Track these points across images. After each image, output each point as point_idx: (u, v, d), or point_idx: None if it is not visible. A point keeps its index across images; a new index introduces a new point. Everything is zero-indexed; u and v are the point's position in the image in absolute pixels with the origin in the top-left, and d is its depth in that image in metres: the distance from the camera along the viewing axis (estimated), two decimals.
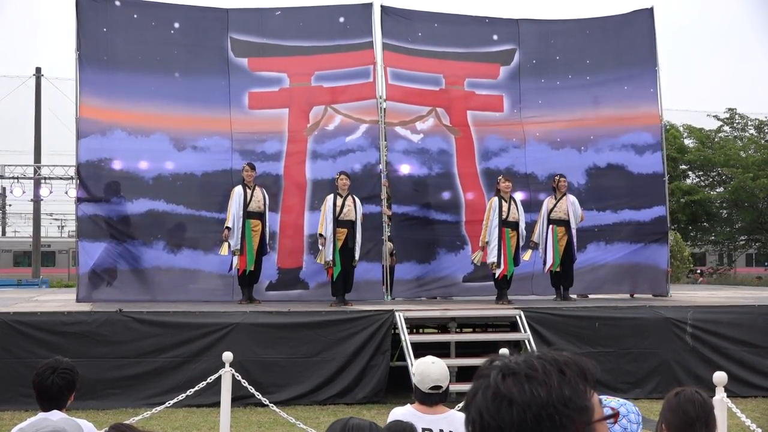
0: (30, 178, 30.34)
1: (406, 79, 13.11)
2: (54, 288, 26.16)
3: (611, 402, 2.89)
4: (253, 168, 11.52)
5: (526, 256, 12.01)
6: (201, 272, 12.24)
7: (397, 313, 10.14)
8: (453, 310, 10.93)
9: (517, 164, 13.17)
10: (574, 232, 11.92)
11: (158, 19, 12.70)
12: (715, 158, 31.41)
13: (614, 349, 10.42)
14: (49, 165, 30.88)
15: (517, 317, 10.39)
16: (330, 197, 11.17)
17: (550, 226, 11.87)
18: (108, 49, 12.36)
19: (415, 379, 4.08)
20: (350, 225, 11.12)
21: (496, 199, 11.54)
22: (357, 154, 12.61)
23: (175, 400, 8.02)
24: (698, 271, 34.21)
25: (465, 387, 8.05)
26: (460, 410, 4.49)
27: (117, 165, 12.19)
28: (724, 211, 33.83)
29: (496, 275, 11.45)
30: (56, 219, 50.01)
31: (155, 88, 12.38)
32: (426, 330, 12.51)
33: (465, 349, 11.03)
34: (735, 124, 33.60)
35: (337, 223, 11.03)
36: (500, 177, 11.82)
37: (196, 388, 8.06)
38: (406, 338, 9.83)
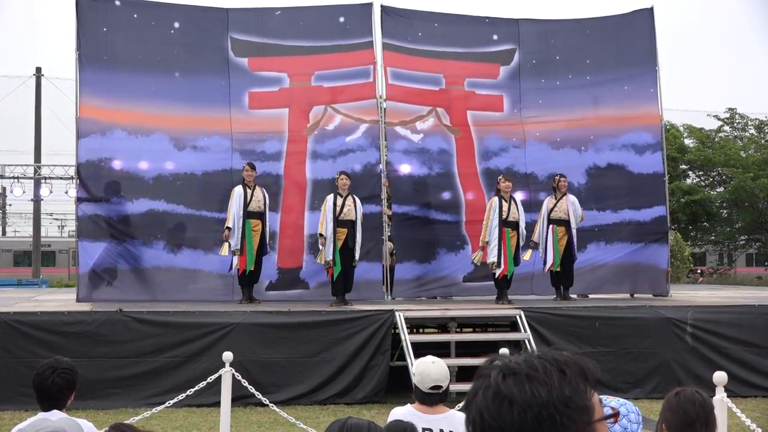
0: (30, 178, 30.35)
1: (406, 79, 13.11)
2: (54, 288, 26.16)
3: (611, 402, 2.89)
4: (253, 168, 11.52)
5: (526, 255, 12.01)
6: (201, 272, 12.24)
7: (397, 313, 10.14)
8: (453, 310, 10.93)
9: (517, 164, 13.18)
10: (574, 231, 11.92)
11: (158, 19, 12.70)
12: (715, 158, 31.42)
13: (614, 349, 10.41)
14: (49, 165, 30.88)
15: (517, 317, 10.39)
16: (330, 197, 11.18)
17: (551, 226, 11.87)
18: (108, 49, 12.36)
19: (415, 379, 4.08)
20: (350, 225, 11.12)
21: (496, 198, 11.54)
22: (357, 153, 12.61)
23: (175, 400, 8.01)
24: (698, 271, 34.21)
25: (465, 387, 8.05)
26: (460, 410, 4.49)
27: (117, 165, 12.19)
28: (724, 211, 33.84)
29: (496, 275, 11.45)
30: (56, 219, 50.04)
31: (155, 88, 12.38)
32: (426, 330, 12.51)
33: (465, 349, 11.03)
34: (735, 124, 33.61)
35: (338, 222, 11.03)
36: (500, 177, 11.82)
37: (196, 388, 8.05)
38: (406, 338, 9.83)
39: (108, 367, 9.54)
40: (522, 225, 11.61)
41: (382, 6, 13.11)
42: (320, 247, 11.16)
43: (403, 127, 13.03)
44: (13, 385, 9.02)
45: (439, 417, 3.99)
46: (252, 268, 11.32)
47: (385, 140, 13.05)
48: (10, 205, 47.34)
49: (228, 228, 11.24)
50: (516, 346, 10.23)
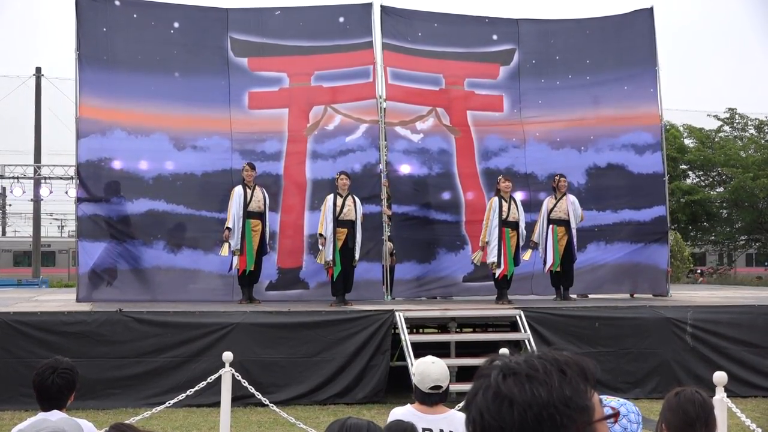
0: (30, 178, 30.34)
1: (406, 79, 13.11)
2: (54, 288, 26.16)
3: (611, 402, 2.88)
4: (253, 168, 11.52)
5: (526, 255, 12.01)
6: (201, 272, 12.24)
7: (397, 313, 10.14)
8: (453, 310, 10.93)
9: (517, 164, 13.18)
10: (574, 231, 11.92)
11: (158, 19, 12.70)
12: (715, 158, 31.42)
13: (614, 349, 10.41)
14: (49, 165, 30.88)
15: (517, 317, 10.38)
16: (330, 197, 11.17)
17: (550, 226, 11.87)
18: (108, 48, 12.36)
19: (415, 379, 4.08)
20: (350, 225, 11.12)
21: (496, 199, 11.54)
22: (357, 154, 12.61)
23: (175, 400, 8.01)
24: (698, 271, 34.21)
25: (465, 387, 8.05)
26: (460, 410, 4.49)
27: (117, 165, 12.19)
28: (724, 211, 33.84)
29: (496, 275, 11.45)
30: (56, 219, 50.03)
31: (155, 88, 12.38)
32: (426, 330, 12.51)
33: (465, 349, 11.03)
34: (735, 124, 33.61)
35: (337, 223, 11.03)
36: (500, 177, 11.82)
37: (196, 388, 8.05)
38: (406, 338, 9.83)
39: (108, 367, 9.54)
40: (522, 225, 11.60)
41: (381, 6, 13.11)
42: (320, 247, 11.15)
43: (403, 127, 13.03)
44: (13, 385, 9.02)
45: (439, 417, 3.99)
46: (252, 268, 11.32)
47: (385, 140, 13.05)
48: (10, 205, 47.35)
49: (228, 228, 11.23)
50: (516, 346, 10.23)
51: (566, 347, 8.96)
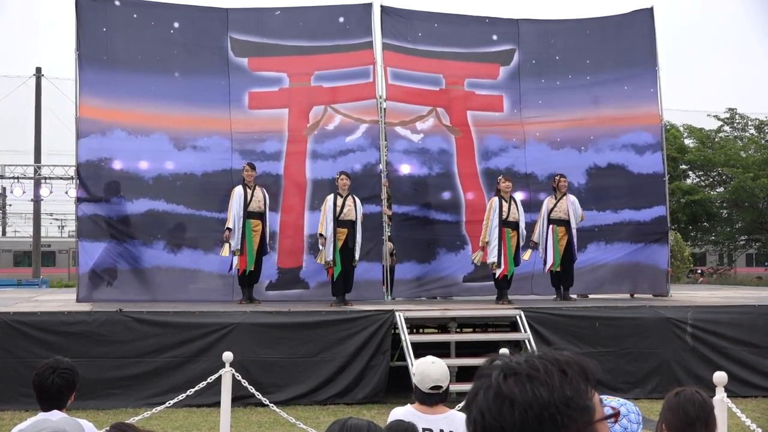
0: (30, 178, 30.34)
1: (406, 79, 13.11)
2: (54, 288, 26.16)
3: (611, 402, 2.88)
4: (253, 168, 11.52)
5: (526, 255, 12.01)
6: (201, 272, 12.24)
7: (397, 313, 10.14)
8: (453, 310, 10.93)
9: (517, 164, 13.18)
10: (574, 232, 11.92)
11: (158, 19, 12.70)
12: (715, 158, 31.42)
13: (614, 349, 10.41)
14: (49, 165, 30.87)
15: (517, 317, 10.38)
16: (330, 197, 11.17)
17: (551, 226, 11.87)
18: (108, 48, 12.36)
19: (415, 379, 4.08)
20: (350, 225, 11.11)
21: (496, 199, 11.54)
22: (357, 154, 12.61)
23: (175, 400, 8.01)
24: (698, 271, 34.21)
25: (465, 387, 8.06)
26: (460, 410, 4.49)
27: (117, 165, 12.19)
28: (725, 211, 33.84)
29: (497, 275, 11.45)
30: (56, 219, 50.02)
31: (155, 88, 12.38)
32: (426, 330, 12.51)
33: (465, 349, 11.03)
34: (735, 124, 33.61)
35: (338, 223, 11.03)
36: (500, 177, 11.82)
37: (196, 388, 8.05)
38: (406, 338, 9.83)
39: (108, 367, 9.54)
40: (522, 225, 11.60)
41: (381, 6, 13.11)
42: (320, 247, 11.15)
43: (403, 127, 13.03)
44: (13, 385, 9.02)
45: (439, 417, 3.99)
46: (252, 268, 11.32)
47: (385, 140, 13.05)
48: (10, 205, 47.34)
49: (228, 229, 11.23)
50: (516, 346, 10.22)
51: (566, 347, 8.97)
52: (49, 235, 47.45)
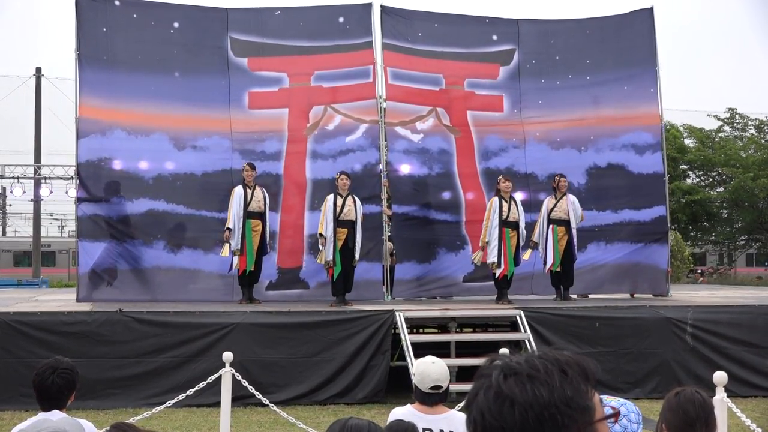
0: (30, 178, 30.34)
1: (406, 79, 13.11)
2: (54, 288, 26.16)
3: (611, 401, 2.88)
4: (253, 168, 11.52)
5: (526, 255, 12.00)
6: (201, 272, 12.24)
7: (397, 313, 10.14)
8: (453, 310, 10.93)
9: (517, 164, 13.18)
10: (574, 231, 11.92)
11: (158, 19, 12.70)
12: (715, 158, 31.43)
13: (614, 349, 10.41)
14: (49, 165, 30.88)
15: (517, 317, 10.38)
16: (330, 197, 11.17)
17: (551, 226, 11.86)
18: (108, 48, 12.36)
19: (415, 379, 4.08)
20: (350, 225, 11.11)
21: (496, 199, 11.54)
22: (357, 154, 12.61)
23: (175, 400, 8.01)
24: (698, 271, 34.21)
25: (465, 387, 8.06)
26: (460, 410, 4.49)
27: (117, 165, 12.19)
28: (725, 211, 33.85)
29: (497, 275, 11.45)
30: (56, 219, 50.04)
31: (155, 88, 12.38)
32: (426, 330, 12.51)
33: (465, 349, 11.03)
34: (735, 124, 33.62)
35: (338, 223, 11.03)
36: (500, 177, 11.82)
37: (196, 388, 8.05)
38: (406, 338, 9.83)
39: (108, 367, 9.54)
40: (522, 225, 11.60)
41: (381, 6, 13.11)
42: (320, 247, 11.15)
43: (403, 127, 13.03)
44: (13, 385, 9.02)
45: (439, 417, 3.99)
46: (252, 268, 11.32)
47: (385, 140, 13.05)
48: (10, 205, 47.35)
49: (228, 229, 11.23)
50: (516, 346, 10.22)
51: (566, 347, 8.97)
52: (49, 235, 47.47)
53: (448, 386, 4.08)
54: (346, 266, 11.08)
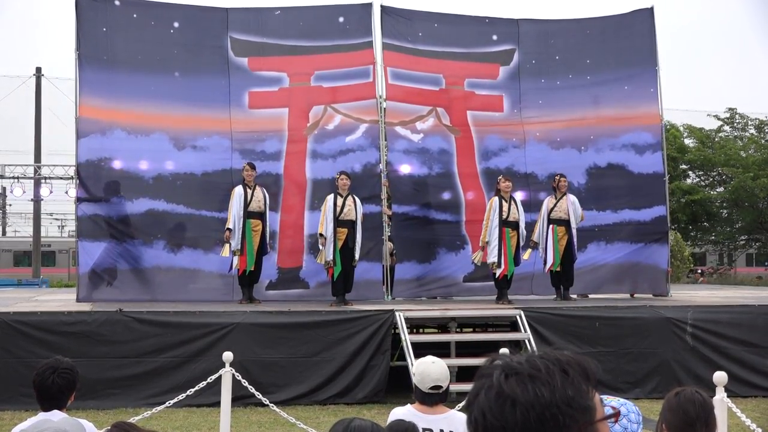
0: (30, 178, 30.34)
1: (406, 78, 13.11)
2: (54, 288, 26.15)
3: (612, 401, 2.88)
4: (253, 168, 11.52)
5: (526, 255, 11.99)
6: (201, 272, 12.24)
7: (397, 313, 10.14)
8: (453, 310, 10.93)
9: (517, 164, 13.18)
10: (574, 231, 11.92)
11: (158, 19, 12.70)
12: (715, 158, 31.43)
13: (614, 349, 10.41)
14: (49, 165, 30.87)
15: (517, 317, 10.38)
16: (330, 197, 11.17)
17: (551, 226, 11.86)
18: (108, 48, 12.36)
19: (415, 379, 4.08)
20: (350, 225, 11.11)
21: (496, 198, 11.54)
22: (357, 153, 12.61)
23: (175, 400, 8.01)
24: (698, 271, 34.21)
25: (465, 387, 8.06)
26: (460, 410, 4.48)
27: (117, 165, 12.19)
28: (725, 211, 33.85)
29: (497, 275, 11.45)
30: (56, 219, 50.04)
31: (155, 88, 12.38)
32: (426, 330, 12.51)
33: (465, 349, 11.03)
34: (735, 124, 33.62)
35: (338, 222, 11.03)
36: (500, 177, 11.82)
37: (196, 388, 8.06)
38: (406, 338, 9.83)
39: (108, 367, 9.54)
40: (522, 225, 11.60)
41: (381, 6, 13.11)
42: (320, 247, 11.15)
43: (403, 127, 13.03)
44: (13, 385, 9.02)
45: (439, 417, 3.98)
46: (252, 268, 11.32)
47: (385, 140, 13.05)
48: (10, 205, 47.35)
49: (229, 229, 11.23)
50: (516, 346, 10.22)
51: (566, 347, 8.97)
52: (49, 235, 47.47)
53: (448, 386, 4.08)
54: (346, 266, 11.08)
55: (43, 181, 30.21)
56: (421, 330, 12.37)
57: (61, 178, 29.83)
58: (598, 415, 1.29)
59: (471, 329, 12.37)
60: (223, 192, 11.89)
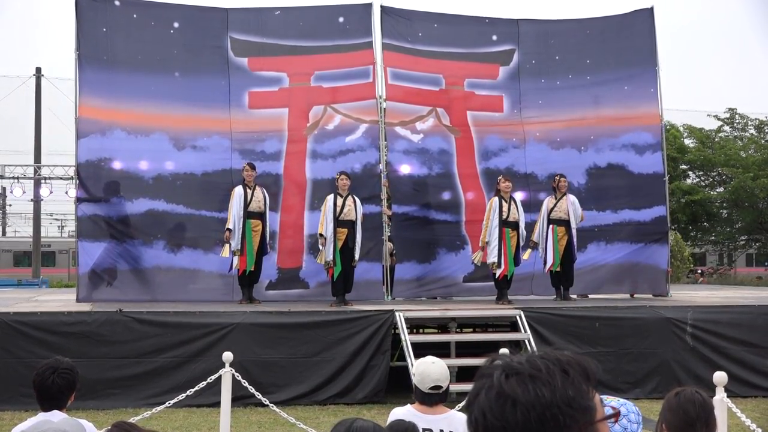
0: (30, 178, 30.34)
1: (406, 79, 13.11)
2: (54, 288, 26.17)
3: (612, 402, 2.88)
4: (253, 168, 11.52)
5: (526, 255, 12.00)
6: (201, 272, 12.23)
7: (397, 313, 10.14)
8: (453, 310, 10.93)
9: (517, 164, 13.18)
10: (574, 231, 11.92)
11: (158, 19, 12.69)
12: (715, 158, 31.43)
13: (614, 349, 10.41)
14: (49, 165, 30.88)
15: (517, 317, 10.38)
16: (330, 197, 11.17)
17: (550, 226, 11.86)
18: (108, 49, 12.36)
19: (415, 379, 4.08)
20: (350, 225, 11.11)
21: (496, 199, 11.54)
22: (357, 154, 12.61)
23: (175, 400, 8.02)
24: (698, 271, 34.21)
25: (465, 387, 8.06)
26: (460, 410, 4.49)
27: (117, 165, 12.19)
28: (724, 211, 33.85)
29: (497, 275, 11.45)
30: (56, 219, 50.03)
31: (155, 88, 12.38)
32: (426, 330, 12.50)
33: (465, 349, 11.03)
34: (735, 124, 33.62)
35: (338, 223, 11.03)
36: (500, 177, 11.82)
37: (196, 388, 8.05)
38: (406, 338, 9.83)
39: (108, 367, 9.54)
40: (522, 225, 11.60)
41: (381, 6, 13.11)
42: (320, 247, 11.15)
43: (403, 127, 13.03)
44: (13, 385, 9.02)
45: (439, 417, 3.99)
46: (252, 269, 11.32)
47: (385, 140, 13.05)
48: (10, 205, 47.35)
49: (229, 229, 11.23)
50: (516, 346, 10.22)
51: (566, 347, 8.97)
52: (49, 235, 47.47)
53: (448, 386, 4.08)
54: (346, 266, 11.08)
55: (43, 181, 30.22)
56: (421, 330, 12.37)
57: (61, 179, 29.84)
58: (598, 415, 1.29)
59: (471, 329, 12.37)
60: (223, 192, 11.89)
